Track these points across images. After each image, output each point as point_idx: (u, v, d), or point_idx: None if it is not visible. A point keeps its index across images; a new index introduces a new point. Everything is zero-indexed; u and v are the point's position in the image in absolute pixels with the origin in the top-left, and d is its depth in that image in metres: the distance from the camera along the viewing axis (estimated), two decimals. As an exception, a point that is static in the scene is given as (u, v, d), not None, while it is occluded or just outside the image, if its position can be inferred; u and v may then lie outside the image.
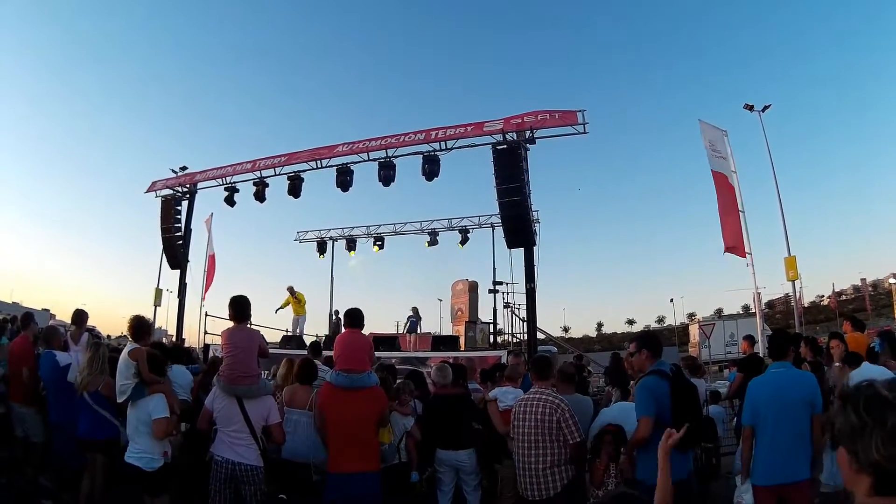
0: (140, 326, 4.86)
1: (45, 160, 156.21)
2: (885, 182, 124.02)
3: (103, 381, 5.03)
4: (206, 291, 17.42)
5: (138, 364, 4.45)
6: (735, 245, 12.54)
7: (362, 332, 5.04)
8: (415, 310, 17.42)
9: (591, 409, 5.10)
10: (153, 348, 5.49)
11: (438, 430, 5.23)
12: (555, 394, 4.47)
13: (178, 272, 16.33)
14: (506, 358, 10.19)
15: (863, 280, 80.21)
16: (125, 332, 5.60)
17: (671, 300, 73.43)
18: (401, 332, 17.77)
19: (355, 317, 4.96)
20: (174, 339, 16.89)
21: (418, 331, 17.05)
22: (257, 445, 4.33)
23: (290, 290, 15.95)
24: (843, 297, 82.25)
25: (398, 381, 5.87)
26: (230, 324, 4.67)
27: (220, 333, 12.19)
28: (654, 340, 4.38)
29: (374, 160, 13.42)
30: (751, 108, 15.30)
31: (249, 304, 4.64)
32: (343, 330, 5.08)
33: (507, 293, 17.15)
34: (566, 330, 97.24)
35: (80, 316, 6.67)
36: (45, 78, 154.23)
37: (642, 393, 3.96)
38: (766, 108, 15.23)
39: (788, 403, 4.00)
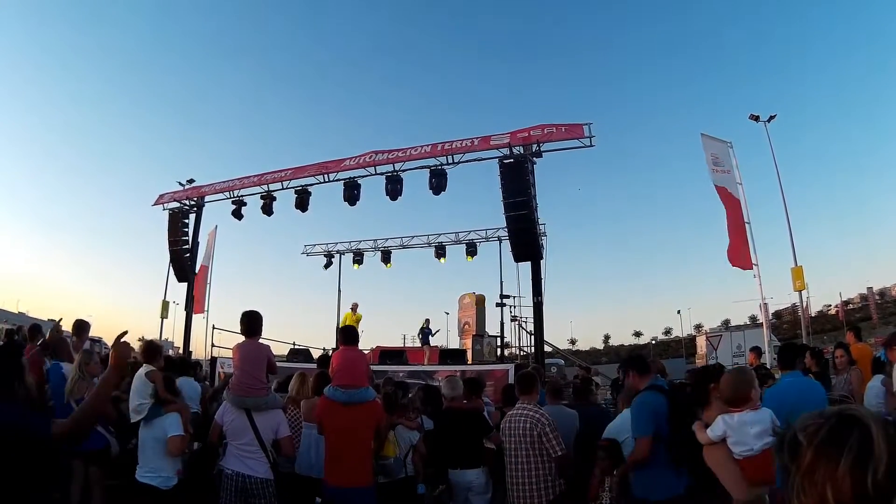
0: (151, 350, 4.97)
1: (52, 171, 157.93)
2: (892, 191, 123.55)
3: (88, 388, 5.05)
4: (197, 304, 17.02)
5: (156, 385, 4.55)
6: (740, 258, 12.53)
7: (358, 349, 5.30)
8: (427, 321, 17.50)
9: (575, 422, 5.10)
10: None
11: (448, 447, 5.11)
12: (535, 408, 4.51)
13: (185, 285, 16.42)
14: (513, 372, 10.15)
15: (869, 289, 79.73)
16: (134, 350, 5.61)
17: (678, 312, 73.03)
18: (408, 345, 17.74)
19: (351, 334, 5.23)
20: (181, 351, 16.91)
21: (429, 342, 17.02)
22: (267, 458, 4.34)
23: (354, 307, 16.62)
24: (850, 307, 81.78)
25: (409, 395, 5.83)
26: (237, 337, 4.75)
27: (227, 346, 12.43)
28: (637, 359, 4.48)
29: (382, 174, 13.52)
30: (756, 118, 15.25)
31: (261, 319, 4.70)
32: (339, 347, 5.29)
33: (515, 306, 17.19)
34: (573, 343, 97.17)
35: (80, 327, 6.56)
36: (52, 88, 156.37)
37: (641, 410, 3.94)
38: (771, 118, 15.20)
39: (806, 409, 4.08)
